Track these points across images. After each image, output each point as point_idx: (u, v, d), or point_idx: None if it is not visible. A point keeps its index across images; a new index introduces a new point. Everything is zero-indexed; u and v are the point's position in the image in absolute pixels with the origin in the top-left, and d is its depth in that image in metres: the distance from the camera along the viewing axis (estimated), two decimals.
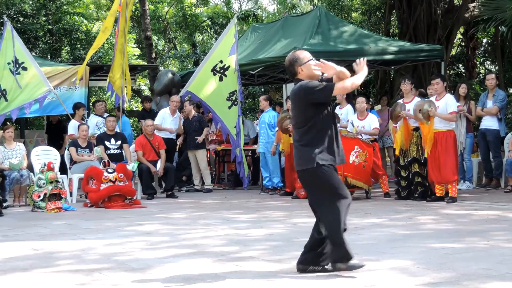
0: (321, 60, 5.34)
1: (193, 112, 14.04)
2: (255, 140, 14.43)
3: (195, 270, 5.40)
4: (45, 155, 12.40)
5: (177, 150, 14.02)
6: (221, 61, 13.96)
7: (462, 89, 12.50)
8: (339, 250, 5.15)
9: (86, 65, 14.73)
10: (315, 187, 5.35)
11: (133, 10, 27.74)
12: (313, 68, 5.33)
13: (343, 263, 5.16)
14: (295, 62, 5.41)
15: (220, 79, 13.98)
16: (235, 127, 13.94)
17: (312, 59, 5.42)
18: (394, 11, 21.67)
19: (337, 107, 12.94)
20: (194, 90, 14.11)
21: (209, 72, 14.03)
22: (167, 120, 13.89)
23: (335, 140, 5.33)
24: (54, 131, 16.07)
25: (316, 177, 5.26)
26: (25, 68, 13.46)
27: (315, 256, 5.29)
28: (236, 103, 13.96)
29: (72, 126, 13.44)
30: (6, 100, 13.37)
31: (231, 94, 13.90)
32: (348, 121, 12.19)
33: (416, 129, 10.75)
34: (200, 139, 13.70)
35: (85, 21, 24.10)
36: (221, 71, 13.93)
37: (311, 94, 5.23)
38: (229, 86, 13.91)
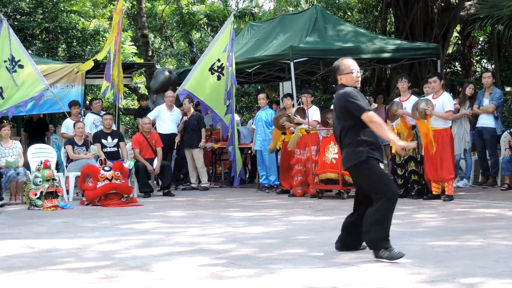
0: None
1: (192, 110, 14.01)
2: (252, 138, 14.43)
3: (192, 268, 5.41)
4: (41, 153, 12.40)
5: (175, 148, 13.99)
6: (219, 60, 13.93)
7: (469, 89, 12.45)
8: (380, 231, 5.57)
9: (82, 63, 14.73)
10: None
11: (130, 8, 27.79)
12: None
13: (383, 249, 5.48)
14: (336, 71, 5.91)
15: (218, 78, 13.96)
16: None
17: (352, 71, 5.82)
18: (390, 9, 21.69)
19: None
20: (192, 89, 14.09)
21: (207, 71, 14.00)
22: (165, 115, 13.87)
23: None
24: (36, 129, 15.88)
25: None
26: (21, 66, 13.45)
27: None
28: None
29: (66, 125, 13.46)
30: (3, 98, 13.37)
31: (226, 95, 13.92)
32: None
33: (413, 127, 10.77)
34: (202, 144, 13.69)
35: (82, 19, 24.09)
36: (219, 70, 13.92)
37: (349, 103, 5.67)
38: (225, 86, 13.91)
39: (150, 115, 13.77)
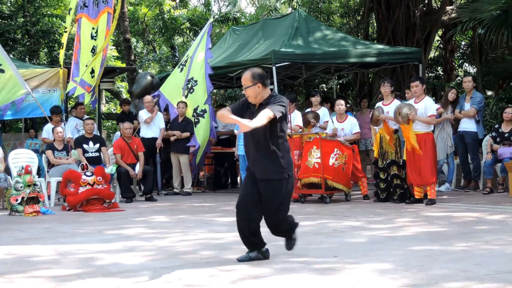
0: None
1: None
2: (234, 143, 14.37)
3: (175, 273, 5.38)
4: (22, 158, 12.30)
5: (157, 152, 13.86)
6: (187, 55, 14.23)
7: (452, 94, 12.51)
8: None
9: (64, 67, 14.70)
10: None
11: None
12: None
13: None
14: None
15: (181, 70, 14.17)
16: (200, 113, 13.88)
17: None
18: (372, 14, 21.76)
19: (309, 109, 12.98)
20: (164, 91, 14.22)
21: (177, 69, 14.36)
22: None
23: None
24: None
25: None
26: (2, 71, 13.38)
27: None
28: (191, 91, 13.90)
29: (47, 130, 13.40)
30: None
31: (186, 83, 13.91)
32: (325, 122, 12.23)
33: (395, 131, 10.79)
34: (177, 133, 13.58)
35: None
36: (184, 63, 14.12)
37: None
38: (185, 74, 13.98)
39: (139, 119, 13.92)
